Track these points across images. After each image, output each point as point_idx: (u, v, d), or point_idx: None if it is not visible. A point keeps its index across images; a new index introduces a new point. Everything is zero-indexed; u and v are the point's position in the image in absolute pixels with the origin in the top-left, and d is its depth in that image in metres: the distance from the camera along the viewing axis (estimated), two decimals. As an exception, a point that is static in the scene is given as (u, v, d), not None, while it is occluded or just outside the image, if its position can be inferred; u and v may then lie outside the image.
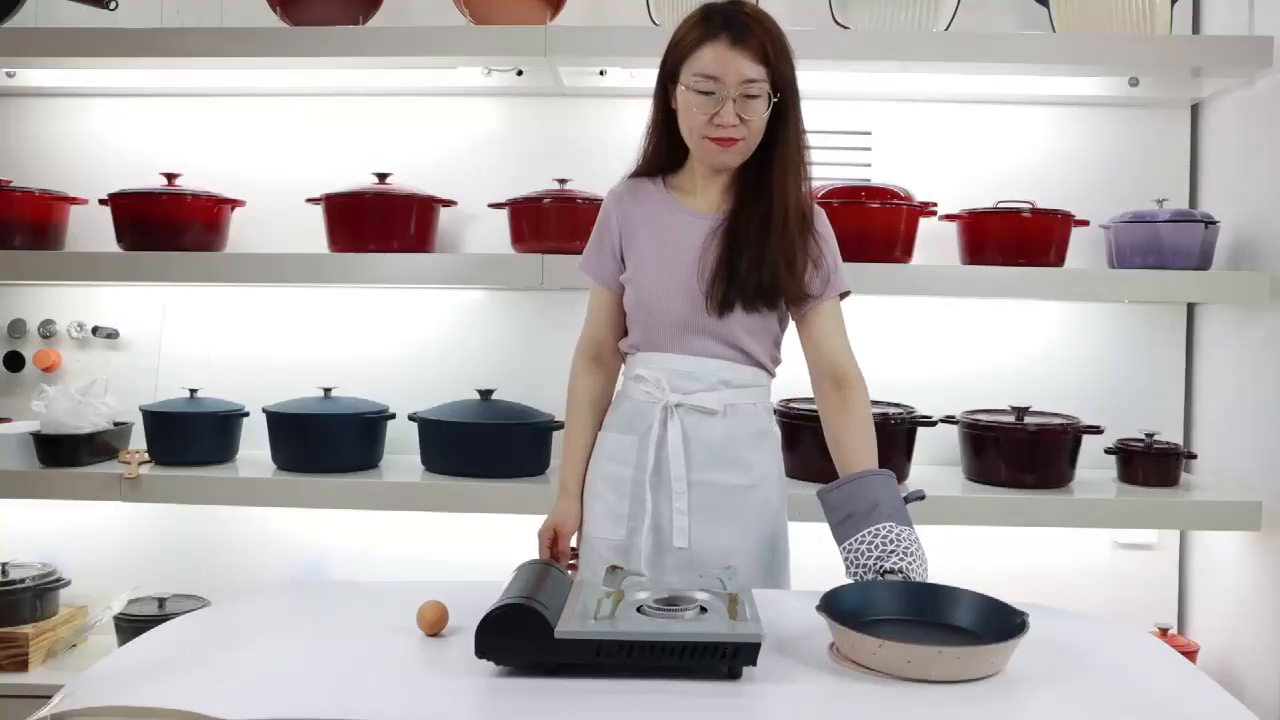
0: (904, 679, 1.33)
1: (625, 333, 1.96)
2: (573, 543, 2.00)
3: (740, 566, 1.77)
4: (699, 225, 1.87)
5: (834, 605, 1.46)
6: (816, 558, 2.60)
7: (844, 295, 1.93)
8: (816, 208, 1.90)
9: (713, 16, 1.79)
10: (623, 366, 1.99)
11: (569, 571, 1.75)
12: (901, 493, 1.81)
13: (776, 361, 1.95)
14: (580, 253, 2.02)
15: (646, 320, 1.89)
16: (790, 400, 2.71)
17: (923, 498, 1.86)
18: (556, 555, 1.96)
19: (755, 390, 1.92)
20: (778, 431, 2.01)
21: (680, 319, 1.86)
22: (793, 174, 1.83)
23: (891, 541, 1.69)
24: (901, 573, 1.65)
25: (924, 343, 2.96)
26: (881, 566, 1.66)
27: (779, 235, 1.81)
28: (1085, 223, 2.76)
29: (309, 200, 2.82)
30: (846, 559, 1.73)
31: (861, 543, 1.70)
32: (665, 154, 1.91)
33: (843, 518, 1.75)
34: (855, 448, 1.87)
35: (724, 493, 1.89)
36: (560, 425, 2.73)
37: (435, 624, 1.51)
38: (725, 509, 1.89)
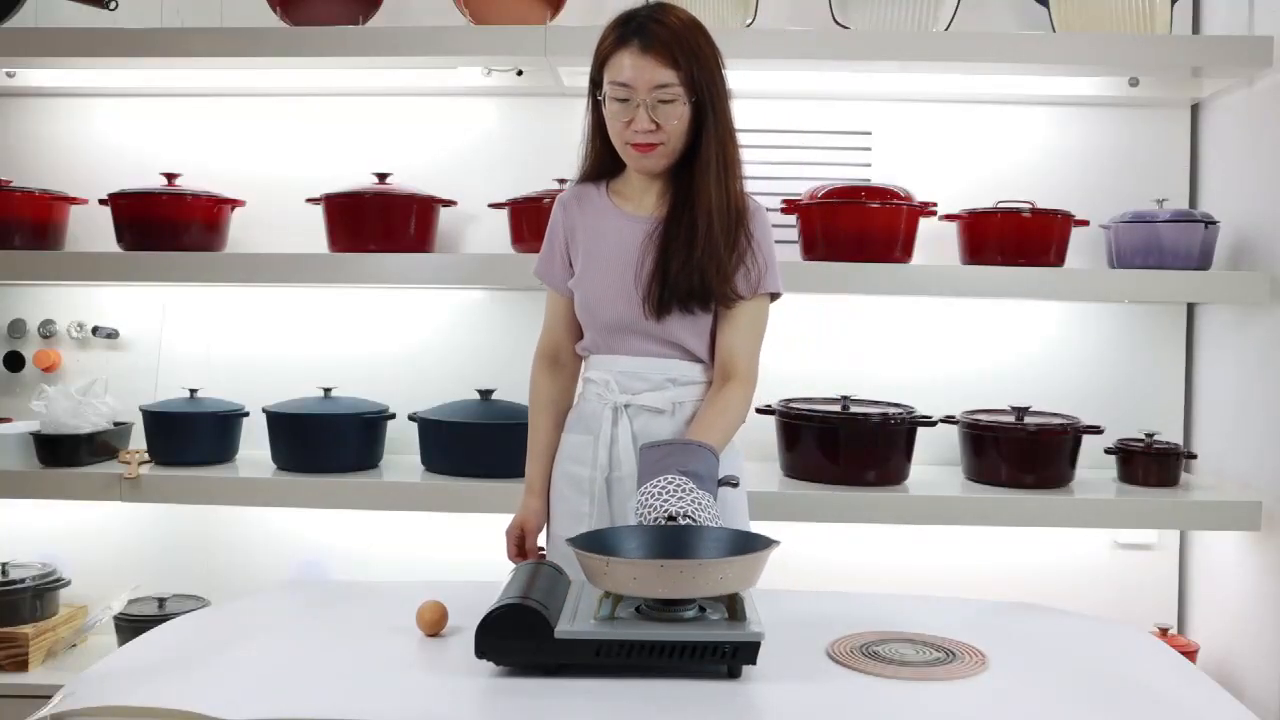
0: (866, 671, 1.33)
1: (577, 329, 1.99)
2: (541, 540, 2.02)
3: None
4: (635, 228, 1.88)
5: (595, 540, 1.48)
6: (816, 558, 2.61)
7: (775, 297, 1.93)
8: (755, 205, 1.90)
9: (627, 23, 1.80)
10: (581, 368, 2.02)
11: None
12: (719, 473, 1.76)
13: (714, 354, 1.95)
14: None
15: (592, 323, 1.93)
16: (790, 400, 2.71)
17: (735, 484, 1.79)
18: (524, 553, 1.99)
19: (701, 386, 1.92)
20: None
21: (622, 321, 1.88)
22: (715, 176, 1.82)
23: (680, 489, 1.61)
24: (689, 518, 1.58)
25: (924, 343, 2.96)
26: (668, 511, 1.58)
27: (705, 238, 1.81)
28: (1085, 223, 2.76)
29: (309, 200, 2.82)
30: (638, 503, 1.64)
31: (655, 487, 1.62)
32: (605, 159, 1.92)
33: (649, 465, 1.71)
34: (702, 421, 1.82)
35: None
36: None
37: (435, 624, 1.51)
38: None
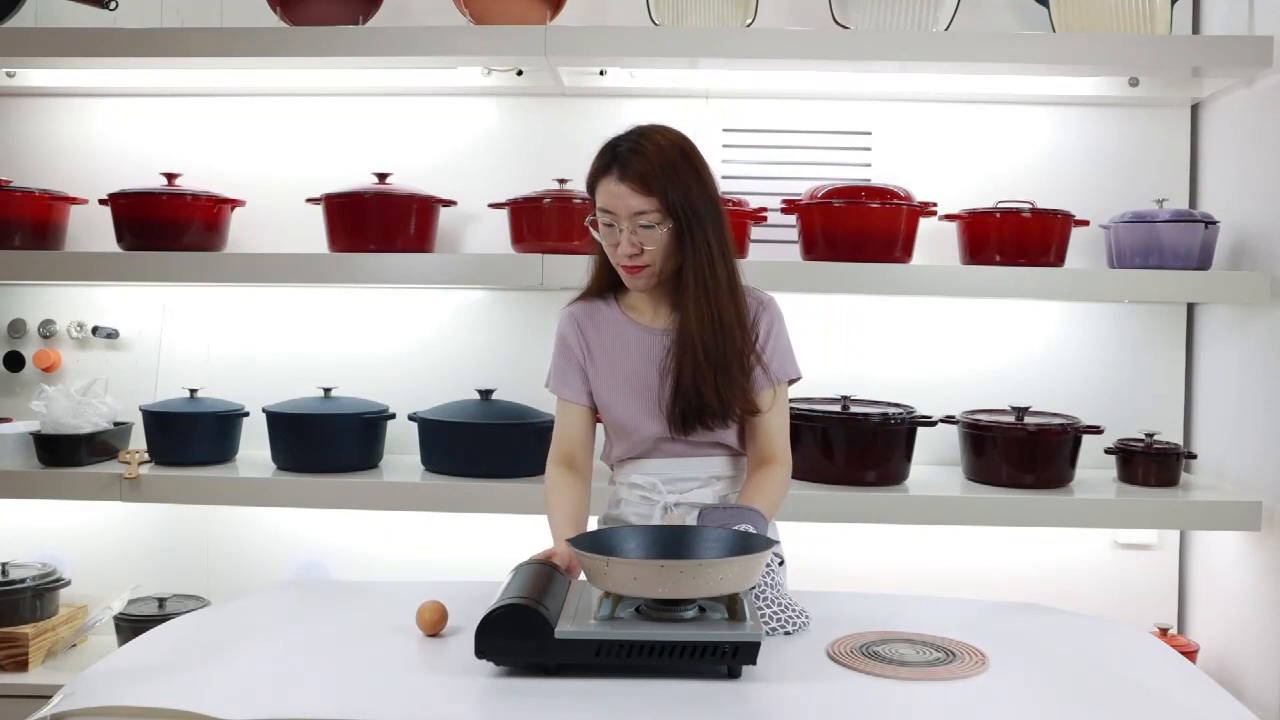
0: (858, 670, 1.33)
1: (593, 440, 1.98)
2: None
3: None
4: (653, 341, 1.89)
5: (595, 540, 1.48)
6: (816, 558, 2.61)
7: (793, 381, 1.95)
8: (760, 302, 1.91)
9: (609, 151, 1.82)
10: (614, 474, 2.01)
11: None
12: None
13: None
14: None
15: (628, 439, 1.93)
16: (790, 400, 2.71)
17: (781, 563, 1.81)
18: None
19: (741, 479, 1.95)
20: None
21: (660, 434, 1.89)
22: (695, 297, 1.81)
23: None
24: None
25: (924, 343, 2.96)
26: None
27: (692, 361, 1.81)
28: (1085, 223, 2.76)
29: (309, 200, 2.82)
30: None
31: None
32: (611, 274, 1.92)
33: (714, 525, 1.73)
34: (751, 493, 1.86)
35: None
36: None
37: (435, 624, 1.51)
38: None
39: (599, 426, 1.99)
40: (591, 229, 1.86)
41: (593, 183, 1.84)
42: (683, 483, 1.91)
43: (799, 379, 1.95)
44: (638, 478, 1.93)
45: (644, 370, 1.88)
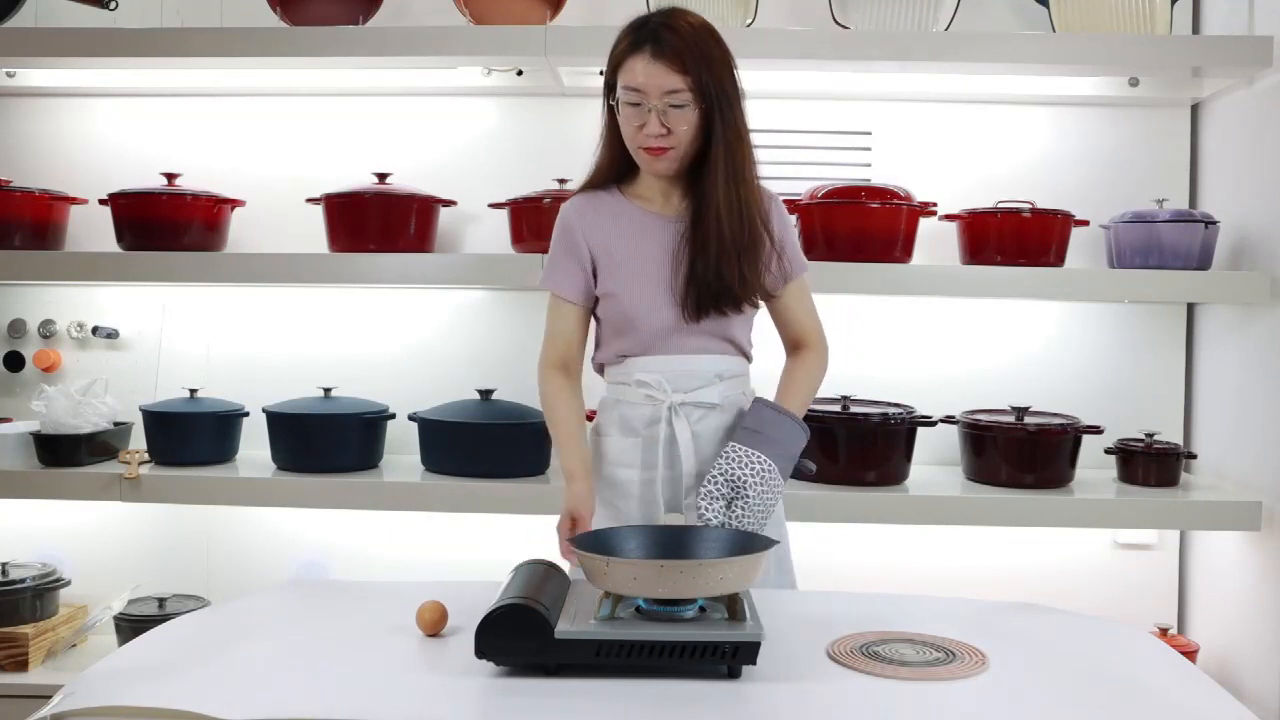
0: (867, 672, 1.33)
1: (585, 343, 1.98)
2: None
3: None
4: (669, 228, 1.89)
5: (595, 540, 1.49)
6: (816, 557, 2.60)
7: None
8: (767, 194, 1.93)
9: (639, 29, 1.82)
10: (607, 373, 1.99)
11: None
12: (799, 451, 1.91)
13: (752, 345, 2.00)
14: None
15: (636, 330, 1.91)
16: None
17: (813, 471, 1.95)
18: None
19: (741, 380, 1.97)
20: None
21: (666, 324, 1.89)
22: (724, 180, 1.83)
23: (744, 462, 1.80)
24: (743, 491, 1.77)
25: (924, 343, 2.96)
26: (734, 474, 1.79)
27: (717, 242, 1.83)
28: (1085, 223, 2.76)
29: (309, 200, 2.82)
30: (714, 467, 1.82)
31: (723, 457, 1.82)
32: (619, 162, 1.92)
33: (759, 419, 1.86)
34: (788, 388, 1.96)
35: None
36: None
37: (435, 624, 1.51)
38: (725, 493, 1.90)
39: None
40: (608, 113, 1.86)
41: (620, 60, 1.82)
42: (687, 379, 1.90)
43: (808, 269, 1.99)
44: (642, 375, 1.91)
45: (657, 258, 1.88)
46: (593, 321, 1.99)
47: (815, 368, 1.98)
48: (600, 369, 2.01)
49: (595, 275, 1.93)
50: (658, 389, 1.90)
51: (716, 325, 1.89)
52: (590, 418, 2.10)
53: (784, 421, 1.86)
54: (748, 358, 1.98)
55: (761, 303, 1.93)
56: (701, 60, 1.79)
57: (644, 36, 1.80)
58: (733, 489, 1.80)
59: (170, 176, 2.81)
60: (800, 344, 1.99)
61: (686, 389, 1.90)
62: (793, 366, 1.98)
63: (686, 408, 1.90)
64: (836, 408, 2.66)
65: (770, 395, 1.95)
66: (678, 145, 1.82)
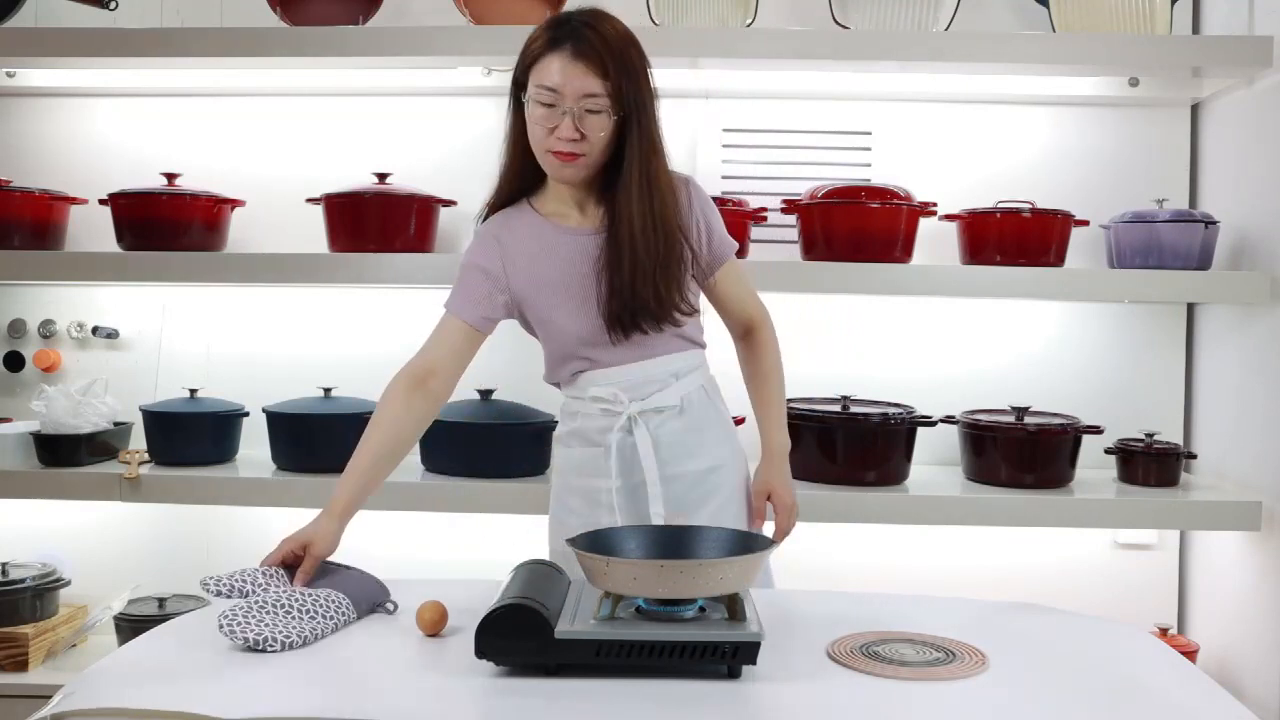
0: (875, 675, 1.33)
1: (464, 366, 1.91)
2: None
3: None
4: (586, 243, 1.83)
5: (595, 540, 1.48)
6: (816, 558, 2.61)
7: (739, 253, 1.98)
8: (683, 181, 1.87)
9: (560, 26, 1.75)
10: (564, 389, 1.96)
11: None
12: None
13: (702, 331, 1.96)
14: None
15: (577, 351, 1.88)
16: (790, 400, 2.70)
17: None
18: (287, 567, 1.73)
19: (699, 372, 1.94)
20: (725, 408, 2.01)
21: (601, 341, 1.85)
22: (638, 195, 1.77)
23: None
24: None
25: (924, 343, 2.96)
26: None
27: (631, 261, 1.77)
28: (1085, 223, 2.76)
29: (309, 200, 2.82)
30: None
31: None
32: (524, 171, 1.85)
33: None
34: (765, 393, 1.99)
35: (693, 481, 1.91)
36: (557, 424, 2.73)
37: (435, 624, 1.51)
38: (697, 496, 1.91)
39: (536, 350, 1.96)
40: (514, 115, 1.80)
41: (535, 58, 1.74)
42: (644, 386, 1.87)
43: (737, 247, 1.97)
44: (597, 390, 1.88)
45: (578, 275, 1.82)
46: (536, 343, 1.96)
47: (774, 350, 1.99)
48: (556, 385, 1.98)
49: (521, 303, 1.88)
50: (614, 402, 1.87)
51: (647, 335, 1.84)
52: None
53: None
54: (700, 345, 1.95)
55: (687, 314, 1.87)
56: (623, 68, 1.73)
57: (564, 34, 1.73)
58: None
59: (170, 176, 2.81)
60: (748, 327, 1.98)
61: (643, 395, 1.87)
62: (755, 361, 1.99)
63: (646, 414, 1.87)
64: (836, 408, 2.66)
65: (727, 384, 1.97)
66: (590, 153, 1.75)
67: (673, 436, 1.89)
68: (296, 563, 1.70)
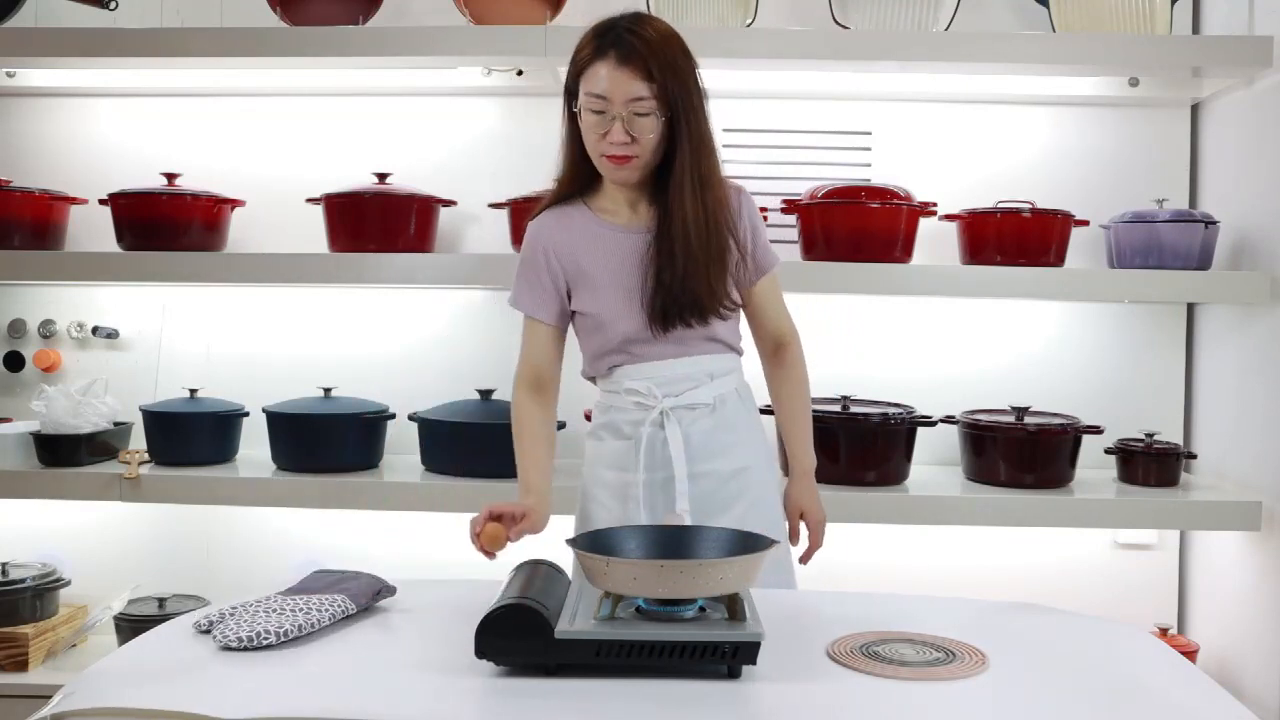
0: (875, 675, 1.33)
1: (561, 360, 1.96)
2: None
3: None
4: (634, 241, 1.87)
5: (595, 540, 1.48)
6: (817, 558, 2.60)
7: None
8: (735, 190, 1.91)
9: (604, 34, 1.79)
10: (599, 383, 1.99)
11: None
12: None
13: (741, 339, 1.99)
14: None
15: (617, 343, 1.90)
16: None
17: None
18: (500, 529, 1.74)
19: (734, 376, 1.96)
20: (758, 412, 2.03)
21: (648, 335, 1.88)
22: (690, 191, 1.80)
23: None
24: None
25: (924, 343, 2.96)
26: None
27: (684, 255, 1.81)
28: (1085, 223, 2.76)
29: (309, 200, 2.82)
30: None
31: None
32: (581, 173, 1.89)
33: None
34: (793, 411, 2.01)
35: (721, 480, 1.92)
36: (561, 425, 2.73)
37: (495, 540, 1.58)
38: (724, 496, 1.92)
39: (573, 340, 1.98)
40: (568, 121, 1.84)
41: (583, 67, 1.79)
42: (679, 383, 1.90)
43: (780, 261, 1.99)
44: (631, 383, 1.91)
45: (628, 272, 1.86)
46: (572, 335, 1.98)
47: (803, 374, 2.01)
48: (591, 379, 2.00)
49: (570, 294, 1.92)
50: (647, 396, 1.90)
51: (691, 331, 1.87)
52: (588, 417, 2.11)
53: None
54: (738, 351, 1.97)
55: (732, 309, 1.90)
56: (667, 68, 1.76)
57: (609, 42, 1.77)
58: None
59: (170, 176, 2.81)
60: (778, 343, 1.99)
61: (677, 392, 1.90)
62: (783, 380, 2.00)
63: (679, 410, 1.90)
64: (836, 408, 2.66)
65: (767, 399, 1.97)
66: (642, 154, 1.79)
67: (703, 434, 1.91)
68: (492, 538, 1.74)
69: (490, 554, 1.73)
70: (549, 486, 1.88)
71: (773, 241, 2.92)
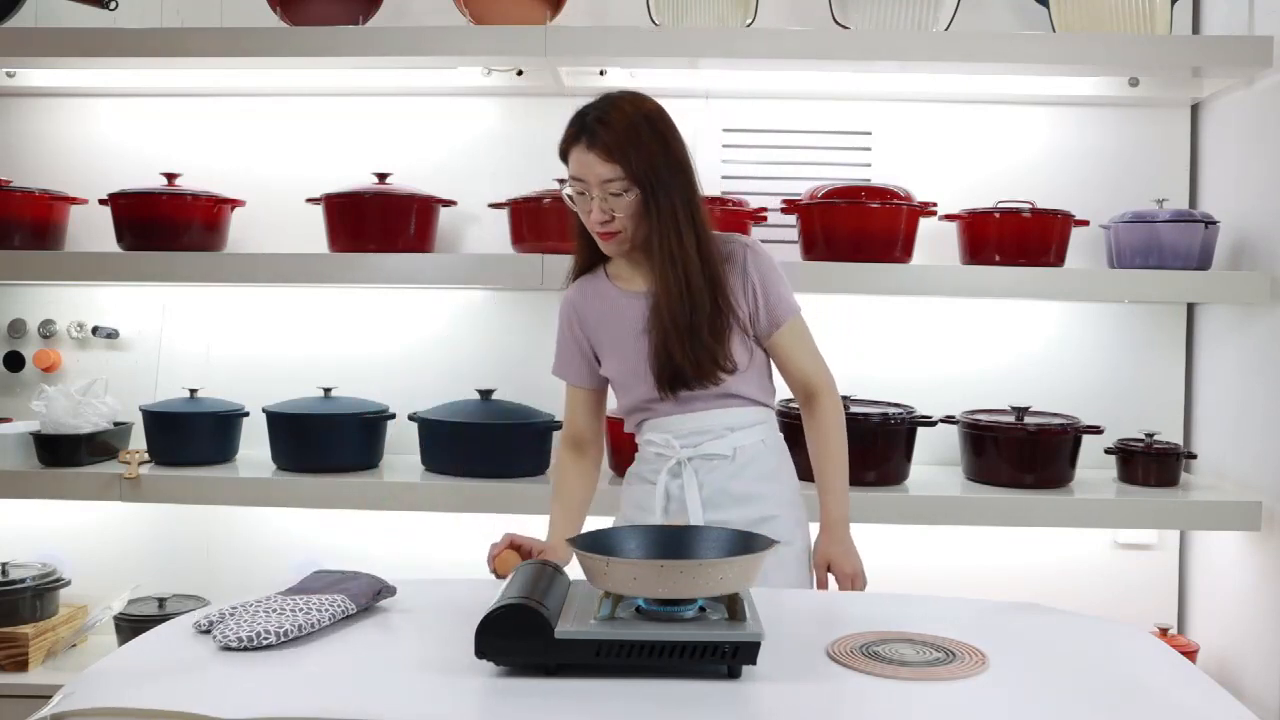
0: (871, 674, 1.33)
1: (600, 420, 2.10)
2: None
3: None
4: (636, 304, 1.94)
5: (595, 540, 1.48)
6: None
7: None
8: (738, 248, 1.94)
9: (577, 121, 1.88)
10: (635, 434, 2.06)
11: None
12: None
13: (771, 391, 2.02)
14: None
15: (635, 404, 1.98)
16: (790, 401, 2.71)
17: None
18: (515, 557, 1.92)
19: (761, 428, 1.99)
20: (789, 461, 2.06)
21: (652, 397, 1.94)
22: (662, 263, 1.86)
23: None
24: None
25: (924, 343, 2.96)
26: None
27: (667, 324, 1.86)
28: (1085, 223, 2.76)
29: (309, 200, 2.82)
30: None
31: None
32: (592, 244, 1.95)
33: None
34: (822, 462, 2.02)
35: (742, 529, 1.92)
36: (560, 425, 2.73)
37: (507, 567, 1.62)
38: None
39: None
40: (567, 200, 1.91)
41: (565, 150, 1.89)
42: (697, 436, 1.95)
43: (799, 309, 1.99)
44: (652, 435, 1.99)
45: (633, 334, 1.93)
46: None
47: (835, 425, 2.00)
48: (632, 433, 2.08)
49: (598, 359, 2.01)
50: (665, 447, 1.96)
51: (704, 391, 1.92)
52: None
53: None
54: (763, 404, 2.00)
55: (730, 371, 1.91)
56: (632, 148, 1.83)
57: (579, 129, 1.86)
58: None
59: (170, 176, 2.81)
60: (809, 392, 2.01)
61: (695, 444, 1.95)
62: (814, 430, 2.01)
63: (697, 461, 1.95)
64: (836, 408, 2.66)
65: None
66: (623, 229, 1.87)
67: (720, 484, 1.95)
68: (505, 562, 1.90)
69: (500, 576, 1.83)
70: (574, 532, 1.92)
71: (773, 241, 2.94)
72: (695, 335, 1.87)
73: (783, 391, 2.72)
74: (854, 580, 2.04)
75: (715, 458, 1.95)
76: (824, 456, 2.02)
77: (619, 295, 1.97)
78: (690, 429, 1.95)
